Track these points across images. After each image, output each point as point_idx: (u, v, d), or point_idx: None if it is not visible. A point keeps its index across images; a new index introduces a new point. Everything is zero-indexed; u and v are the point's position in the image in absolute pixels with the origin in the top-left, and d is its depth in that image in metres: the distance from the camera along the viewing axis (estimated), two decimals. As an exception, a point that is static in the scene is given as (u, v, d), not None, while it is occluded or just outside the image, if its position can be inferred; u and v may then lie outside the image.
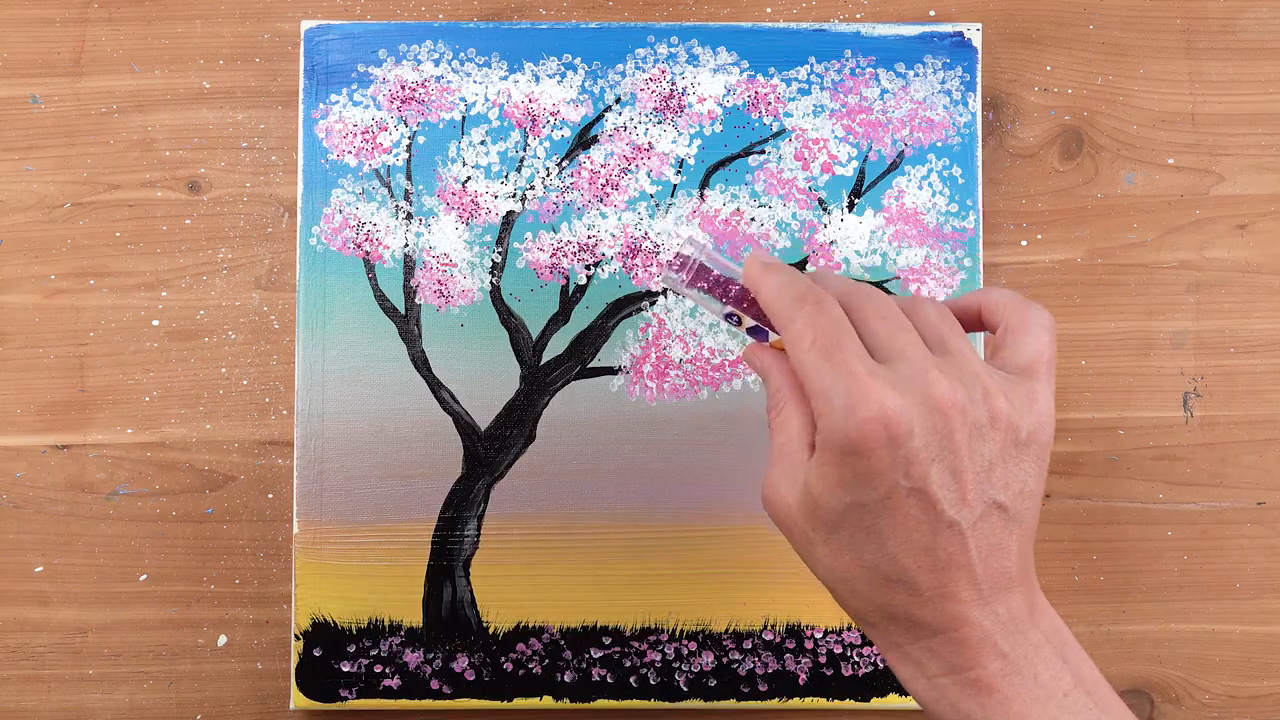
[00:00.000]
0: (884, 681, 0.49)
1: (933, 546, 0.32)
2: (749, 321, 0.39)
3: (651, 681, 0.49)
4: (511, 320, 0.50)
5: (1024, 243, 0.51)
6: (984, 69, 0.51)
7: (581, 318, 0.50)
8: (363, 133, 0.50)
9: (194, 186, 0.51)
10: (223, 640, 0.51)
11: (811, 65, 0.50)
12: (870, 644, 0.49)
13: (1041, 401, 0.34)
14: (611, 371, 0.50)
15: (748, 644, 0.49)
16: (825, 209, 0.50)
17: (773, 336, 0.39)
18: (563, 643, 0.49)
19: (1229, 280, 0.51)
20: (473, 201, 0.50)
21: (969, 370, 0.33)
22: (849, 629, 0.49)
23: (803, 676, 0.49)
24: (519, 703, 0.49)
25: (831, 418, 0.32)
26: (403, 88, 0.50)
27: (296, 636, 0.49)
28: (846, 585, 0.34)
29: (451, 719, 0.50)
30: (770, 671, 0.49)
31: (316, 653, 0.49)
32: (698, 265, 0.39)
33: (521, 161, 0.50)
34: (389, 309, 0.50)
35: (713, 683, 0.49)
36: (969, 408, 0.32)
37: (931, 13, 0.52)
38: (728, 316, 0.39)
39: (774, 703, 0.49)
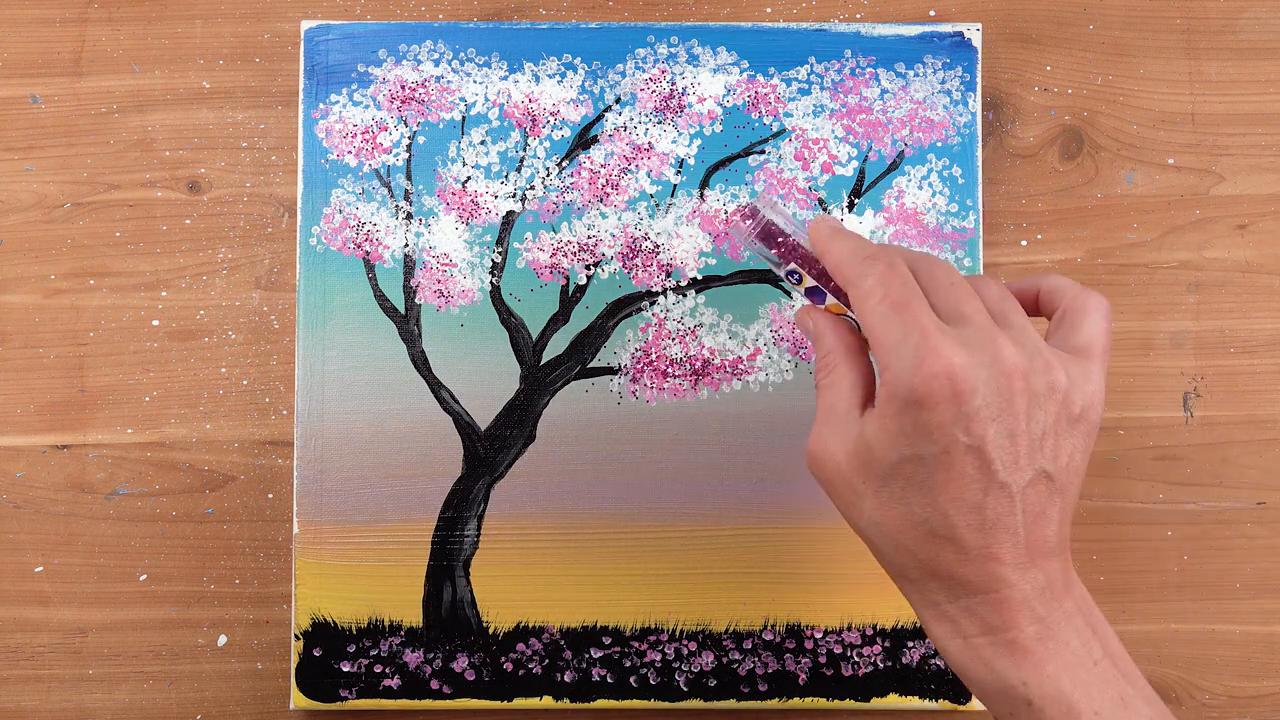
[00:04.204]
0: (884, 681, 0.49)
1: (983, 506, 0.33)
2: (809, 281, 0.40)
3: (651, 681, 0.49)
4: (511, 320, 0.50)
5: (1024, 243, 0.51)
6: (984, 69, 0.51)
7: (581, 318, 0.50)
8: (363, 133, 0.50)
9: (194, 186, 0.51)
10: (223, 640, 0.51)
11: (811, 65, 0.50)
12: (870, 644, 0.49)
13: (1095, 381, 0.35)
14: (611, 371, 0.50)
15: (748, 644, 0.49)
16: (825, 209, 0.50)
17: (829, 300, 0.40)
18: (563, 643, 0.49)
19: (1229, 280, 0.51)
20: (473, 201, 0.50)
21: (1032, 342, 0.34)
22: (849, 629, 0.49)
23: (803, 676, 0.49)
24: (519, 703, 0.49)
25: (899, 369, 0.33)
26: (403, 88, 0.50)
27: (296, 636, 0.49)
28: (891, 540, 0.35)
29: (451, 719, 0.50)
30: (770, 671, 0.49)
31: (316, 653, 0.49)
32: (765, 221, 0.40)
33: (521, 161, 0.50)
34: (389, 309, 0.50)
35: (713, 683, 0.49)
36: (1031, 376, 0.33)
37: (931, 13, 0.52)
38: (789, 274, 0.40)
39: (774, 703, 0.49)
